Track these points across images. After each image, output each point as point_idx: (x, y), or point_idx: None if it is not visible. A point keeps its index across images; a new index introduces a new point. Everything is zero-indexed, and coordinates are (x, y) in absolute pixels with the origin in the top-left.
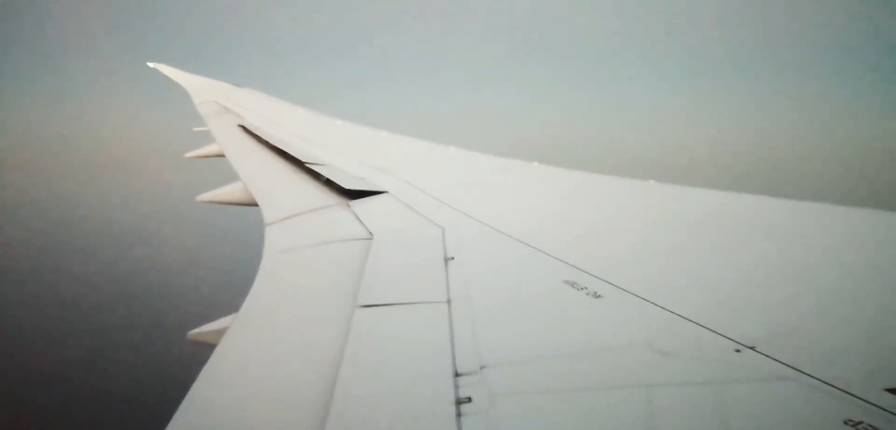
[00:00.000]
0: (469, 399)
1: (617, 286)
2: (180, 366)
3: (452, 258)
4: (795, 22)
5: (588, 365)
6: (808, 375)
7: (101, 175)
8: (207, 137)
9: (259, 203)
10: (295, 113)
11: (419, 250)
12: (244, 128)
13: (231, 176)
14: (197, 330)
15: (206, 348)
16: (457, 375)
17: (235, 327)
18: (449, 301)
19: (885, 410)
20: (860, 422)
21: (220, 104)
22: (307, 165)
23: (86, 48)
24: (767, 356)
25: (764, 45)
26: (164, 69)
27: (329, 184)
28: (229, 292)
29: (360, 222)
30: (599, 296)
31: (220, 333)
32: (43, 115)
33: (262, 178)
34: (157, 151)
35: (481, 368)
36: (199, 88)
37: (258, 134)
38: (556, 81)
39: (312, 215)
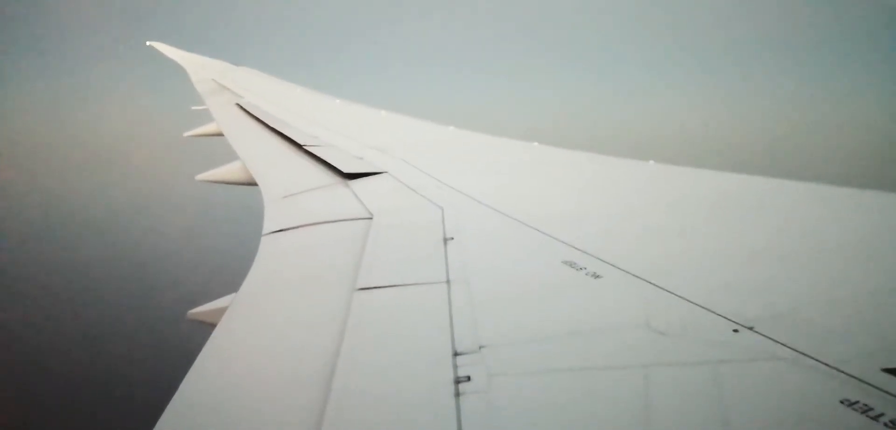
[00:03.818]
0: (468, 378)
1: (616, 267)
2: (181, 344)
3: (452, 239)
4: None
5: (587, 345)
6: (806, 355)
7: (99, 155)
8: (206, 117)
9: (258, 183)
10: (293, 92)
11: (418, 231)
12: (242, 107)
13: (230, 155)
14: (197, 310)
15: (206, 328)
16: (456, 354)
17: (235, 307)
18: (448, 282)
19: (882, 390)
20: (856, 402)
21: (218, 83)
22: (306, 147)
23: (80, 24)
24: (765, 336)
25: (767, 28)
26: (162, 48)
27: (328, 163)
28: (229, 272)
29: (360, 201)
30: (599, 276)
31: (220, 312)
32: (33, 94)
33: (261, 157)
34: (155, 130)
35: (480, 348)
36: (197, 66)
37: (256, 114)
38: (557, 63)
39: (312, 195)
